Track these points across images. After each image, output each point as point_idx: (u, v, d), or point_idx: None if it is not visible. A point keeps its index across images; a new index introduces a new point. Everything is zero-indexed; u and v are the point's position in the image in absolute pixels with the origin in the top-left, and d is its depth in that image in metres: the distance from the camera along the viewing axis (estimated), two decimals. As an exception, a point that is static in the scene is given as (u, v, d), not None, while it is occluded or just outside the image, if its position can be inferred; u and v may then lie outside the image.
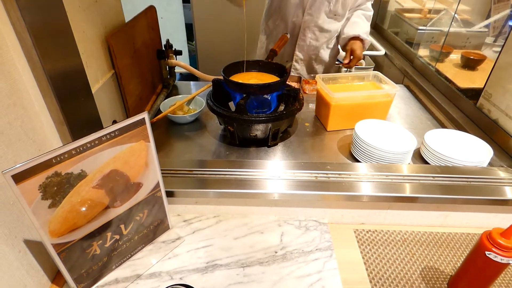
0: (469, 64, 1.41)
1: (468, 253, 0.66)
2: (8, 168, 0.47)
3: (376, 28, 2.14)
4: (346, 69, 1.64)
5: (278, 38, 1.31)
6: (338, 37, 1.45)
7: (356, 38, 1.34)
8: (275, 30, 1.45)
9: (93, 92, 0.81)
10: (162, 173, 0.70)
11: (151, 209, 0.72)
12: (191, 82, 1.53)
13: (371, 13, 1.40)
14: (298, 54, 1.46)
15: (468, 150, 0.95)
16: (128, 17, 1.15)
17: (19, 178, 0.48)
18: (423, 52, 1.57)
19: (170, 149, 1.05)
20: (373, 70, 1.55)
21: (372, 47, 1.84)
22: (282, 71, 1.08)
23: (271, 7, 1.43)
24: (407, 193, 0.78)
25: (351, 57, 1.34)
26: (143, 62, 1.21)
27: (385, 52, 1.74)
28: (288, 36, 1.30)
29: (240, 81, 1.02)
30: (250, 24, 1.44)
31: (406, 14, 1.87)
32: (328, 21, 1.36)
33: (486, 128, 1.04)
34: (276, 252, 0.75)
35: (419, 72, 1.50)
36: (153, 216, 0.74)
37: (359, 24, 1.36)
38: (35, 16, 0.58)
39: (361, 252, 0.77)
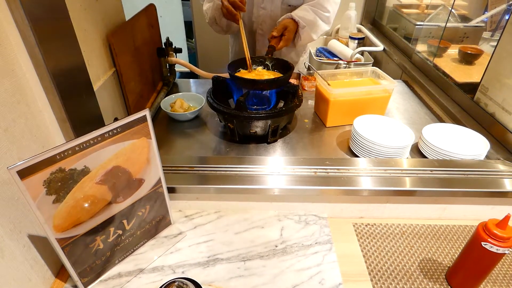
0: (467, 58, 1.41)
1: (465, 245, 0.67)
2: (14, 164, 0.48)
3: (375, 24, 2.14)
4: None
5: (240, 52, 1.32)
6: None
7: (290, 18, 1.19)
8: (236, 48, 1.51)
9: (94, 90, 0.82)
10: (163, 170, 0.72)
11: (153, 204, 0.73)
12: (191, 80, 1.53)
13: (324, 13, 1.21)
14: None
15: (465, 143, 0.96)
16: (128, 16, 1.15)
17: (24, 173, 0.49)
18: (421, 48, 1.58)
19: (171, 146, 1.06)
20: (372, 66, 1.56)
21: (370, 43, 1.84)
22: (285, 66, 1.08)
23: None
24: (406, 187, 0.79)
25: (282, 35, 1.18)
26: (144, 60, 1.22)
27: (384, 48, 1.74)
28: None
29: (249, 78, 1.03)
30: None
31: (404, 10, 1.87)
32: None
33: (483, 121, 1.05)
34: (276, 246, 0.76)
35: (417, 67, 1.50)
36: (155, 212, 0.75)
37: (298, 11, 1.20)
38: (38, 15, 0.59)
39: (360, 245, 0.78)
